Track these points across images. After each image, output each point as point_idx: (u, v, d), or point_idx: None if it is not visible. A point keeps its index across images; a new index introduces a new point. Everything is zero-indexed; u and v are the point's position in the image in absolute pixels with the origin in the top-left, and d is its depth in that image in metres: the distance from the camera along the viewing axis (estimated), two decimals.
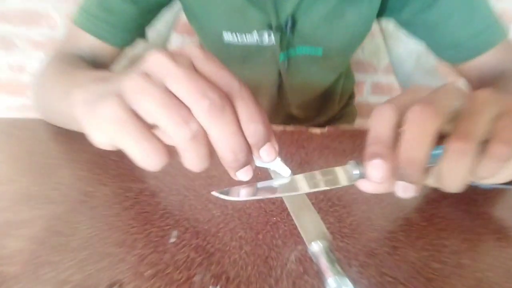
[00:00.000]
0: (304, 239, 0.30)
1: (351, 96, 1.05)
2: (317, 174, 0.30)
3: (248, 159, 0.29)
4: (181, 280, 0.36)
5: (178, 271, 0.36)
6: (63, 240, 0.39)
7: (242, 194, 0.30)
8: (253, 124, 0.28)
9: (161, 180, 0.51)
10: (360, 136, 0.64)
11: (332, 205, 0.48)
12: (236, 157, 0.28)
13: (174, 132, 0.26)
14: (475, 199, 0.47)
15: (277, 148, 0.30)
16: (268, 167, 0.33)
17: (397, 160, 0.28)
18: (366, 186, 0.31)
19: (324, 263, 0.28)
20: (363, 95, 1.63)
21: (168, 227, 0.43)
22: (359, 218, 0.45)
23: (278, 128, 0.65)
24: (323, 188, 0.30)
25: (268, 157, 0.29)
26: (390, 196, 0.34)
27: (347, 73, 0.98)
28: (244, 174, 0.30)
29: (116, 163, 0.54)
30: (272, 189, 0.30)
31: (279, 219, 0.45)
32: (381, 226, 0.43)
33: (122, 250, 0.39)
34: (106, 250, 0.39)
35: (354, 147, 0.61)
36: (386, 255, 0.39)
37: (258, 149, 0.29)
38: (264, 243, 0.40)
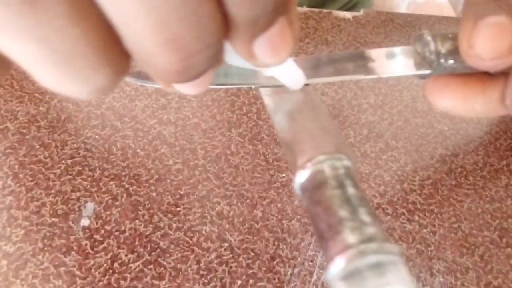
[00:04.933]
0: (290, 162, 0.16)
1: None
2: (342, 57, 0.20)
3: (214, 61, 0.13)
4: None
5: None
6: None
7: None
8: None
9: (70, 98, 0.34)
10: (415, 24, 0.51)
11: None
12: (183, 55, 0.12)
13: None
14: None
15: (295, 38, 0.14)
16: (260, 71, 0.18)
17: None
18: (453, 83, 0.20)
19: (329, 207, 0.14)
20: None
21: (78, 194, 0.29)
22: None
23: None
24: (354, 76, 0.20)
25: (271, 57, 0.14)
26: None
27: None
28: (192, 88, 0.15)
29: None
30: (245, 74, 0.20)
31: (292, 177, 0.32)
32: None
33: None
34: None
35: (411, 41, 0.41)
36: None
37: (252, 38, 0.13)
38: (265, 227, 0.29)
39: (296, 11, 0.14)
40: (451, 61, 0.19)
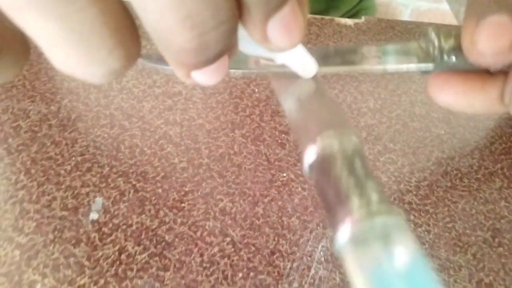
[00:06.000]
0: (300, 141, 0.17)
1: None
2: (350, 49, 0.21)
3: (228, 41, 0.14)
4: None
5: (100, 283, 0.26)
6: None
7: None
8: None
9: (80, 98, 0.38)
10: (415, 31, 0.52)
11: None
12: (199, 32, 0.13)
13: None
14: None
15: (305, 20, 0.15)
16: (271, 58, 0.19)
17: None
18: (455, 79, 0.21)
19: (337, 182, 0.15)
20: None
21: (87, 190, 0.31)
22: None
23: None
24: (361, 67, 0.21)
25: (285, 38, 0.15)
26: None
27: None
28: (209, 75, 0.15)
29: None
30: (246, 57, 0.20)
31: (293, 176, 0.33)
32: None
33: None
34: None
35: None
36: None
37: (265, 19, 0.14)
38: (266, 223, 0.30)
39: None
40: (453, 57, 0.20)
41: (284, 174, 0.32)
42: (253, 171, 0.32)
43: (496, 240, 0.30)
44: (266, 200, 0.30)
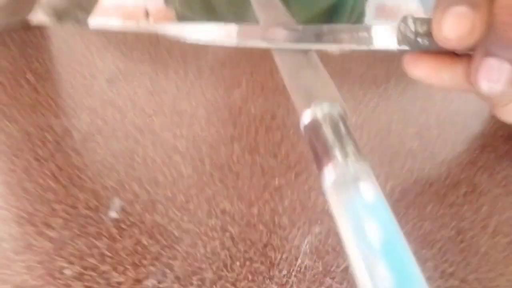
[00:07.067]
0: (296, 106, 0.22)
1: (362, 14, 1.00)
2: (341, 28, 0.26)
3: None
4: (124, 285, 0.30)
5: (119, 270, 0.31)
6: None
7: (195, 32, 0.24)
8: None
9: (98, 114, 0.43)
10: (397, 59, 0.50)
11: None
12: None
13: None
14: None
15: None
16: None
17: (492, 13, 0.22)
18: (425, 58, 0.26)
19: (324, 139, 0.20)
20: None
21: (107, 192, 0.36)
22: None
23: None
24: (349, 45, 0.25)
25: None
26: None
27: None
28: None
29: (31, 87, 0.46)
30: (251, 32, 0.25)
31: (284, 182, 0.38)
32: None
33: (26, 231, 0.33)
34: None
35: (390, 72, 0.55)
36: None
37: None
38: (260, 221, 0.35)
39: None
40: (426, 41, 0.24)
41: (276, 181, 0.37)
42: (249, 178, 0.37)
43: (460, 237, 0.35)
44: (260, 203, 0.36)
